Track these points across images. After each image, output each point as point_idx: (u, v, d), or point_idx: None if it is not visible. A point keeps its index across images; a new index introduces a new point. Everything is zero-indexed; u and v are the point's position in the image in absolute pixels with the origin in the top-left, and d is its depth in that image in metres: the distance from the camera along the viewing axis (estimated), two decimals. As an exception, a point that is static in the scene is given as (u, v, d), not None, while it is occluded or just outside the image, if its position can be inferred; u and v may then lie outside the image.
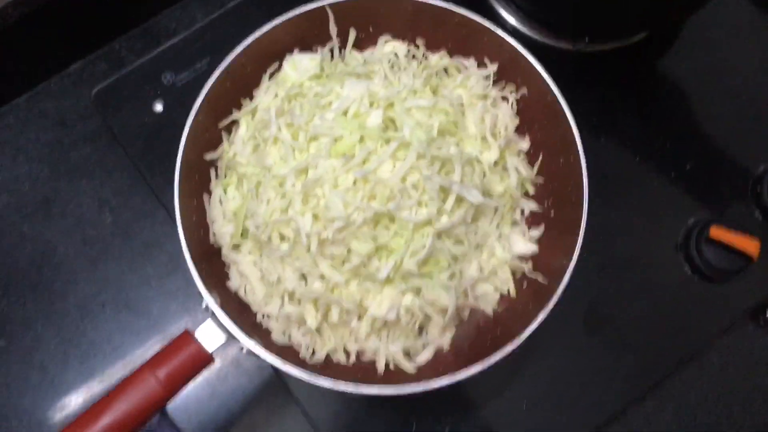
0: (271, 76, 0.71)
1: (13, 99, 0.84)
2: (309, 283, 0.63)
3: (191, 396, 0.75)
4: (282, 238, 0.64)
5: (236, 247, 0.67)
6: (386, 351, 0.65)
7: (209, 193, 0.69)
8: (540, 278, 0.67)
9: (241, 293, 0.66)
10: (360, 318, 0.65)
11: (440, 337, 0.67)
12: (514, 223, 0.71)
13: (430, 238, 0.62)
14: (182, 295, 0.78)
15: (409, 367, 0.65)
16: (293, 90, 0.68)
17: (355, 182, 0.61)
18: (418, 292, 0.64)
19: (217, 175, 0.69)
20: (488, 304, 0.69)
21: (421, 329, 0.68)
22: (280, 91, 0.69)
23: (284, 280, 0.63)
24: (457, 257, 0.65)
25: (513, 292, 0.69)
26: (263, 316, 0.65)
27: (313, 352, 0.65)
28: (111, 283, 0.78)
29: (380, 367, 0.66)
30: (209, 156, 0.69)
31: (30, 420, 0.74)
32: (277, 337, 0.64)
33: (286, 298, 0.65)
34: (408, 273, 0.62)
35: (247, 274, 0.66)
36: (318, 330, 0.65)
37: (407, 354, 0.66)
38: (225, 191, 0.68)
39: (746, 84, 0.88)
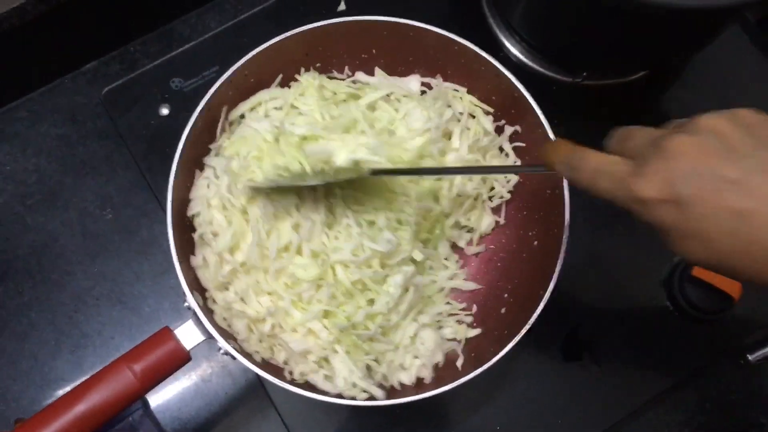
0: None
1: (27, 93, 0.86)
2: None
3: (175, 394, 0.77)
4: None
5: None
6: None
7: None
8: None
9: (200, 274, 0.67)
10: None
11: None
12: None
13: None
14: (174, 294, 0.80)
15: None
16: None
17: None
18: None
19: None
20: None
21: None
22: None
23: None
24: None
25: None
26: (212, 300, 0.67)
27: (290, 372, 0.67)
28: (107, 277, 0.81)
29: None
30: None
31: (18, 405, 0.76)
32: (219, 320, 0.66)
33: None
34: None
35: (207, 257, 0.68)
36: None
37: None
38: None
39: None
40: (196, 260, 0.67)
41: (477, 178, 0.73)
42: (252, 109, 0.73)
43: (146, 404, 0.75)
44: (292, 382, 0.61)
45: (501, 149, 0.75)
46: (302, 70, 0.74)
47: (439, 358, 0.69)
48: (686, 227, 0.40)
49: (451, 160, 0.72)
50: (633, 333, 0.80)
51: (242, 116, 0.72)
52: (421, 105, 0.71)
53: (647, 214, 0.41)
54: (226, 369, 0.78)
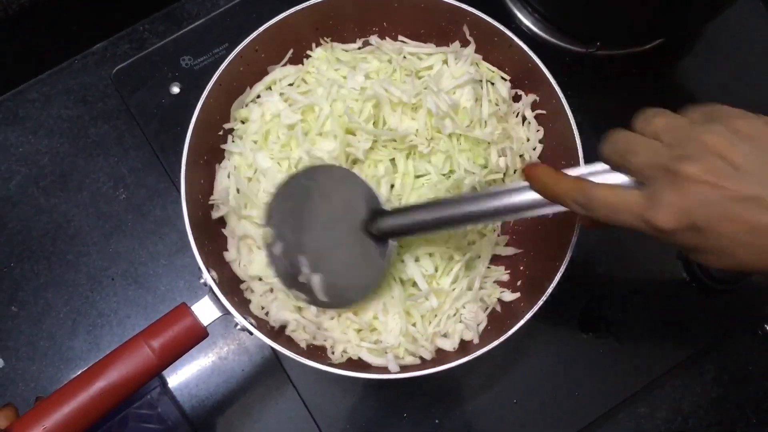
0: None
1: (37, 75, 0.86)
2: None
3: (192, 373, 0.77)
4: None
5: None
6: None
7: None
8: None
9: (235, 267, 0.68)
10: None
11: None
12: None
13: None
14: (189, 273, 0.80)
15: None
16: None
17: None
18: None
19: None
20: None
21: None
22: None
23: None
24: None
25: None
26: (250, 290, 0.68)
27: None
28: (122, 257, 0.81)
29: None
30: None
31: (37, 385, 0.77)
32: (255, 310, 0.67)
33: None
34: None
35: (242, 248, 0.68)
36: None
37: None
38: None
39: (760, 94, 0.88)
40: (229, 255, 0.68)
41: (510, 153, 0.72)
42: (268, 88, 0.73)
43: (164, 382, 0.76)
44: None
45: (524, 118, 0.74)
46: (313, 45, 0.74)
47: (482, 318, 0.69)
48: (706, 246, 0.43)
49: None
50: (650, 305, 0.79)
51: (258, 96, 0.73)
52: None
53: (670, 240, 0.45)
54: (242, 346, 0.78)
